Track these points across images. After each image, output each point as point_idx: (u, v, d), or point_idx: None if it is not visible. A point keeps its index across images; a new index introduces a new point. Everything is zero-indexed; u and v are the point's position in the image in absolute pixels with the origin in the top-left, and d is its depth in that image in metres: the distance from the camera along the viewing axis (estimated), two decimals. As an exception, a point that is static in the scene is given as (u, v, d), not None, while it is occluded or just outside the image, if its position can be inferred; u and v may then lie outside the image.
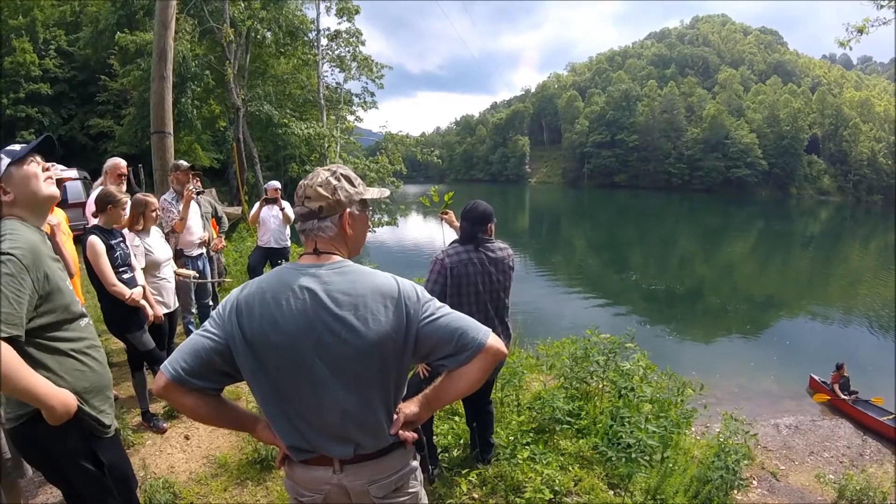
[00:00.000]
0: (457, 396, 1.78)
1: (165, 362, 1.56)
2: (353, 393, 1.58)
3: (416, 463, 1.82)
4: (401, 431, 1.69)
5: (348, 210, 1.69)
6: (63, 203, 3.82)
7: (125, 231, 4.32)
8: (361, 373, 1.58)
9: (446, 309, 1.65)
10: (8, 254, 1.82)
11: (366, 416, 1.62)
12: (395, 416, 1.70)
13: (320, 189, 1.65)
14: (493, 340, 1.60)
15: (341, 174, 1.70)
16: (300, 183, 1.71)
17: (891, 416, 9.27)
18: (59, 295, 2.01)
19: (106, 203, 3.96)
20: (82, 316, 2.19)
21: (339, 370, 1.56)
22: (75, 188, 13.01)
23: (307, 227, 1.67)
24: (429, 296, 1.67)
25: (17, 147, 2.11)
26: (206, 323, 1.63)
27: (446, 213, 4.35)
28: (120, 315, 4.10)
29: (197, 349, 1.56)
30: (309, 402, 1.60)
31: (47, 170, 2.13)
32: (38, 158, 2.12)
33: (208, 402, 1.63)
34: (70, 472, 2.12)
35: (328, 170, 1.71)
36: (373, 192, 1.79)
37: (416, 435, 1.75)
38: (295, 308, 1.54)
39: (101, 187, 4.64)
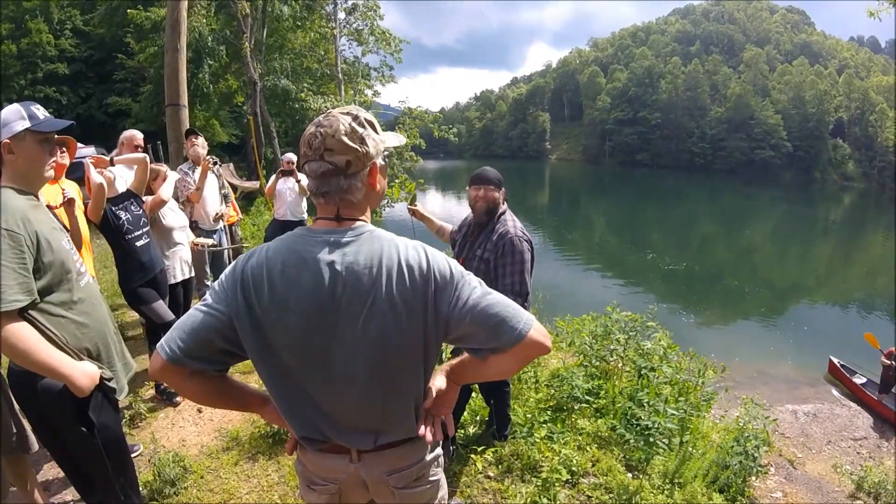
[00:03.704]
0: (484, 380, 1.63)
1: (161, 340, 1.37)
2: (373, 383, 1.41)
3: (438, 450, 1.68)
4: (426, 432, 1.52)
5: (377, 162, 1.45)
6: (80, 180, 3.80)
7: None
8: (384, 360, 1.39)
9: (483, 289, 1.41)
10: (5, 229, 1.87)
11: (388, 406, 1.46)
12: (427, 394, 1.53)
13: (346, 139, 1.35)
14: (536, 332, 1.37)
15: (365, 119, 1.42)
16: (312, 131, 1.38)
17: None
18: (50, 253, 2.00)
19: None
20: (80, 274, 2.18)
21: (358, 357, 1.37)
22: (94, 165, 13.04)
23: (329, 189, 1.39)
24: (462, 272, 1.44)
25: (39, 112, 2.08)
26: (206, 295, 1.42)
27: (415, 207, 3.91)
28: (133, 285, 4.03)
29: (196, 327, 1.36)
30: (323, 389, 1.42)
31: (53, 155, 2.16)
32: (55, 141, 2.16)
33: (211, 383, 1.46)
34: (60, 429, 2.12)
35: (348, 113, 1.40)
36: (392, 139, 1.53)
37: (439, 437, 1.56)
38: (309, 283, 1.33)
39: None
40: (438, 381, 1.58)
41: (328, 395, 1.44)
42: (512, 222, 3.24)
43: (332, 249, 1.36)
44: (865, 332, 10.12)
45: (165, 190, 4.46)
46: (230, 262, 6.40)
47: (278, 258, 1.37)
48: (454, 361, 1.60)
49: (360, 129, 1.39)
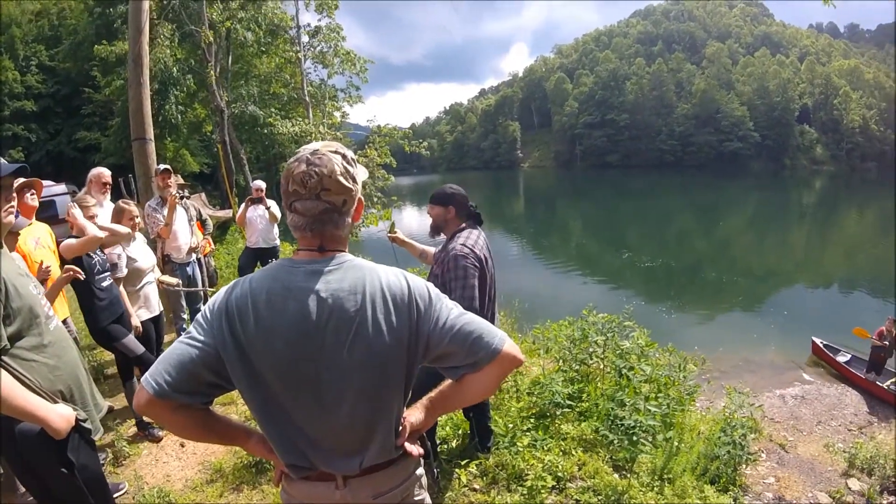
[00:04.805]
0: (465, 404, 1.66)
1: (146, 375, 1.35)
2: (361, 404, 1.43)
3: (421, 470, 1.69)
4: (407, 444, 1.56)
5: (360, 197, 1.52)
6: (52, 218, 3.76)
7: None
8: (370, 382, 1.42)
9: (459, 310, 1.50)
10: None
11: (374, 428, 1.48)
12: (401, 427, 1.55)
13: (342, 180, 1.41)
14: (510, 347, 1.45)
15: (350, 157, 1.47)
16: (304, 170, 1.39)
17: (894, 379, 9.23)
18: (18, 299, 2.00)
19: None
20: (48, 318, 2.19)
21: (346, 380, 1.40)
22: (65, 203, 12.82)
23: (323, 226, 1.43)
24: (439, 294, 1.51)
25: None
26: (190, 329, 1.42)
27: (395, 234, 3.91)
28: (103, 324, 4.00)
29: (182, 360, 1.35)
30: (311, 415, 1.44)
31: (10, 200, 2.13)
32: (8, 184, 2.12)
33: (196, 417, 1.45)
34: (41, 471, 2.11)
35: (335, 151, 1.44)
36: (362, 173, 1.57)
37: (422, 451, 1.61)
38: (296, 312, 1.36)
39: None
40: (415, 416, 1.61)
41: (315, 421, 1.45)
42: (464, 239, 3.22)
43: (316, 278, 1.39)
44: (854, 327, 10.19)
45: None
46: (205, 297, 6.38)
47: (262, 288, 1.40)
48: (433, 394, 1.63)
49: (351, 168, 1.46)
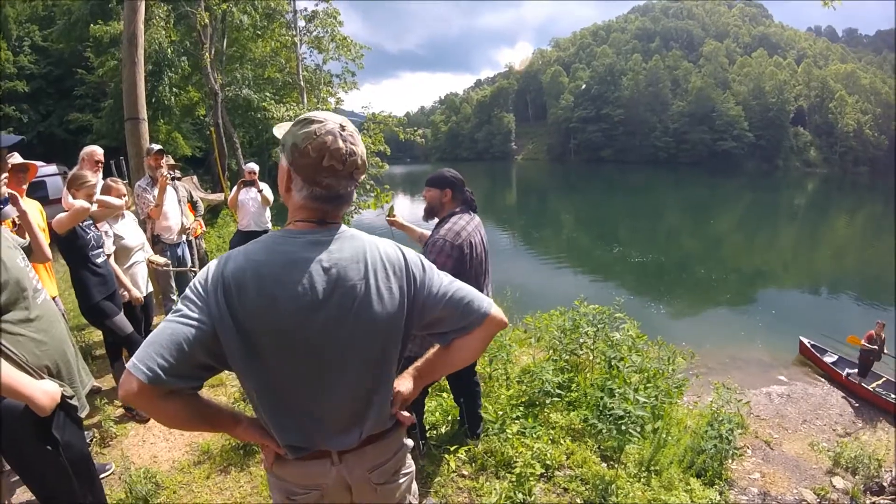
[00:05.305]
0: (454, 368, 1.67)
1: (133, 360, 1.22)
2: (363, 375, 1.43)
3: (410, 441, 1.68)
4: (399, 412, 1.59)
5: None
6: (43, 199, 3.70)
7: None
8: (372, 352, 1.42)
9: (449, 278, 1.56)
10: None
11: (372, 399, 1.48)
12: (393, 396, 1.56)
13: (366, 159, 1.45)
14: (497, 311, 1.54)
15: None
16: (343, 147, 1.36)
17: (880, 381, 9.32)
18: (5, 272, 1.97)
19: (74, 184, 3.86)
20: (37, 291, 2.14)
21: (349, 350, 1.39)
22: (55, 184, 12.73)
23: (342, 203, 1.44)
24: (430, 264, 1.57)
25: None
26: (179, 306, 1.31)
27: (394, 217, 3.91)
28: (96, 300, 3.96)
29: (176, 340, 1.24)
30: (314, 391, 1.40)
31: (4, 170, 2.16)
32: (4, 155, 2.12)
33: (187, 403, 1.33)
34: (25, 448, 2.06)
35: (355, 130, 1.43)
36: None
37: (413, 417, 1.63)
38: (299, 283, 1.31)
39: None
40: (405, 385, 1.62)
41: (317, 395, 1.42)
42: (451, 224, 3.22)
43: (316, 248, 1.37)
44: (844, 331, 10.35)
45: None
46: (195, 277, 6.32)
47: (260, 260, 1.34)
48: (419, 363, 1.66)
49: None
